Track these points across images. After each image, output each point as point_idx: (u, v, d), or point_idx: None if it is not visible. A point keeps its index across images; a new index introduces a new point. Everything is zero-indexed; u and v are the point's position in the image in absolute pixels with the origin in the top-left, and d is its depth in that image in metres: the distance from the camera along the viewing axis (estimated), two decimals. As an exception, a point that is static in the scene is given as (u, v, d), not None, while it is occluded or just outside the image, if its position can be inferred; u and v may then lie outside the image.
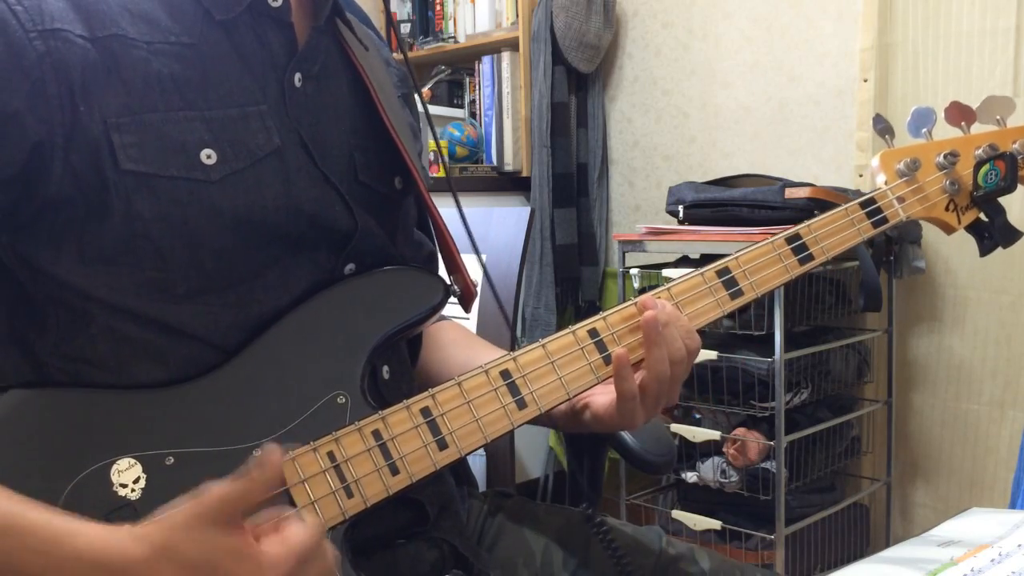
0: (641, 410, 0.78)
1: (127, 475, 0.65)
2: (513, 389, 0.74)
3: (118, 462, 0.65)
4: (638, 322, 0.78)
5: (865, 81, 2.22)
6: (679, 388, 0.80)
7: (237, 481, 0.56)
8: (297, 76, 0.75)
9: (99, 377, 0.69)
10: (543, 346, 0.76)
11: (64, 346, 0.69)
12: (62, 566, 0.55)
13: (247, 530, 0.58)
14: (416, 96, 0.95)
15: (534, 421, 0.79)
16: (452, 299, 0.82)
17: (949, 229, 0.93)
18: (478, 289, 0.87)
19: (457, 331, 1.00)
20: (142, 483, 0.65)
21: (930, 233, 2.14)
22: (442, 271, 0.86)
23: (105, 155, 0.65)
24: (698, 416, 2.24)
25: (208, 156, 0.69)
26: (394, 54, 0.99)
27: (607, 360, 0.77)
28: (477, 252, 0.86)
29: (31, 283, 0.69)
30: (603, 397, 0.81)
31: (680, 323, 0.79)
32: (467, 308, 0.85)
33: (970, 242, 0.95)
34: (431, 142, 2.54)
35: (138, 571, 0.55)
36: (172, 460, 0.66)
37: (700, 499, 2.21)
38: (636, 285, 2.16)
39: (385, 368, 0.80)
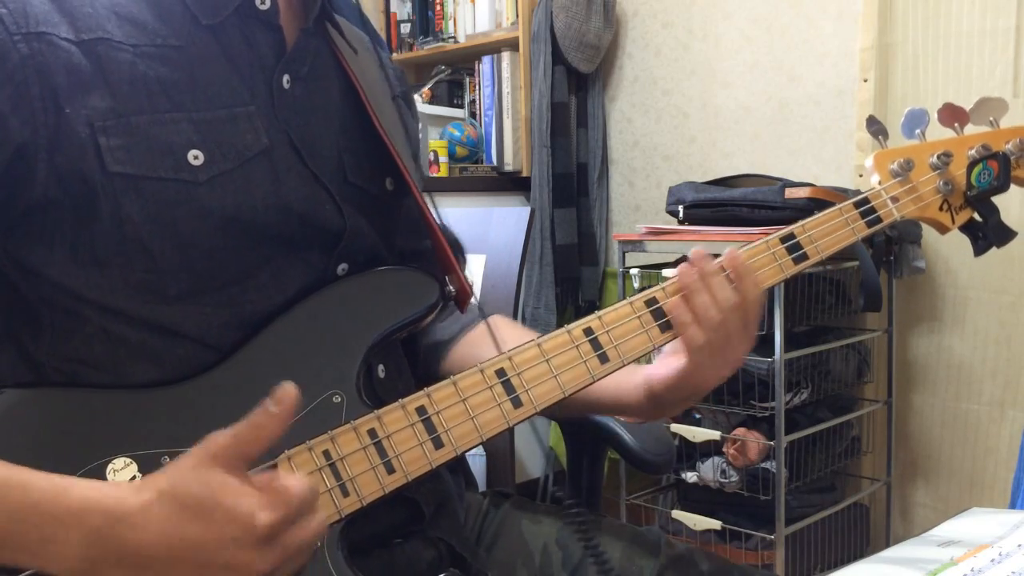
0: (709, 363, 0.79)
1: (122, 474, 0.65)
2: (508, 387, 0.73)
3: (113, 461, 0.65)
4: (633, 320, 0.78)
5: (865, 81, 2.22)
6: (744, 342, 0.80)
7: (245, 424, 0.58)
8: (285, 77, 0.75)
9: (95, 377, 0.69)
10: (538, 345, 0.75)
11: (59, 347, 0.69)
12: (62, 519, 0.55)
13: (248, 478, 0.58)
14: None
15: (606, 412, 0.80)
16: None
17: (943, 229, 0.94)
18: (476, 291, 0.86)
19: (513, 330, 0.99)
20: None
21: (930, 233, 2.13)
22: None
23: (91, 158, 0.66)
24: (698, 416, 2.24)
25: (195, 157, 0.69)
26: (393, 54, 0.99)
27: (602, 358, 0.77)
28: (460, 253, 0.83)
29: (24, 285, 0.69)
30: (665, 368, 0.81)
31: (739, 272, 0.79)
32: (463, 309, 0.85)
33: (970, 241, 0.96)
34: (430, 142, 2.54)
35: (140, 516, 0.56)
36: (168, 460, 0.66)
37: (700, 499, 2.21)
38: (636, 285, 2.16)
39: (380, 367, 0.80)
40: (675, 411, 0.84)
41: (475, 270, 1.51)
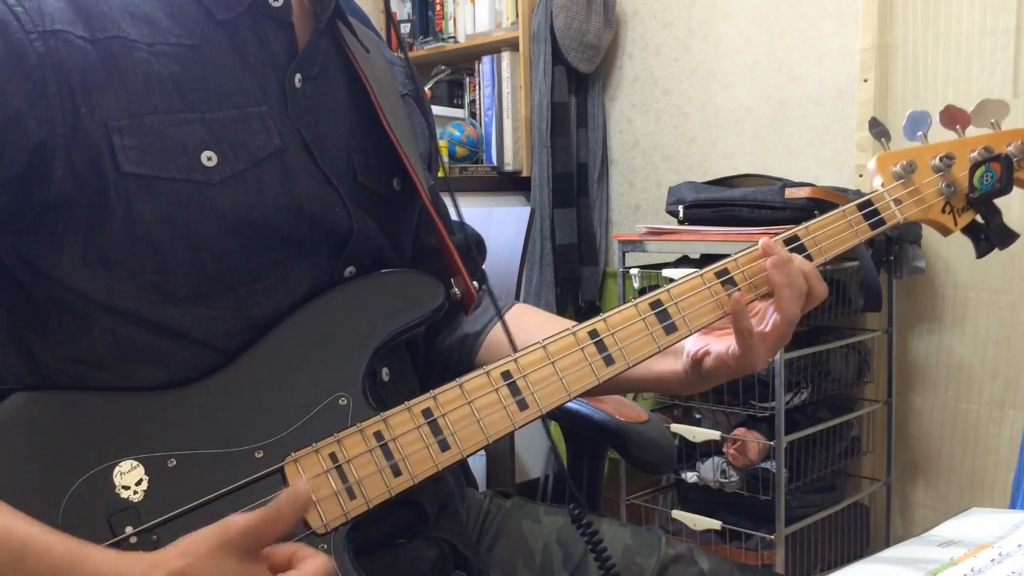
0: (763, 349, 0.81)
1: (129, 477, 0.65)
2: (514, 390, 0.73)
3: (120, 464, 0.65)
4: (638, 322, 0.78)
5: (865, 81, 2.22)
6: (792, 328, 0.83)
7: (264, 512, 0.60)
8: (297, 77, 0.75)
9: (101, 379, 0.69)
10: (544, 347, 0.75)
11: (66, 348, 0.69)
12: None
13: (264, 562, 0.60)
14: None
15: (647, 388, 0.85)
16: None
17: (945, 231, 0.94)
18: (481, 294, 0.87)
19: (539, 317, 0.99)
20: (144, 485, 0.65)
21: (930, 233, 2.14)
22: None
23: (106, 157, 0.65)
24: (698, 416, 2.24)
25: (209, 158, 0.69)
26: (396, 54, 0.99)
27: (607, 360, 0.77)
28: (480, 250, 0.83)
29: (33, 285, 0.69)
30: (721, 344, 0.83)
31: (800, 264, 0.82)
32: (467, 311, 0.85)
33: (970, 242, 0.96)
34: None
35: None
36: (174, 462, 0.66)
37: (700, 499, 2.21)
38: (636, 285, 2.16)
39: (385, 370, 0.80)
40: (719, 383, 0.87)
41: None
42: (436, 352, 0.97)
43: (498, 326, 0.95)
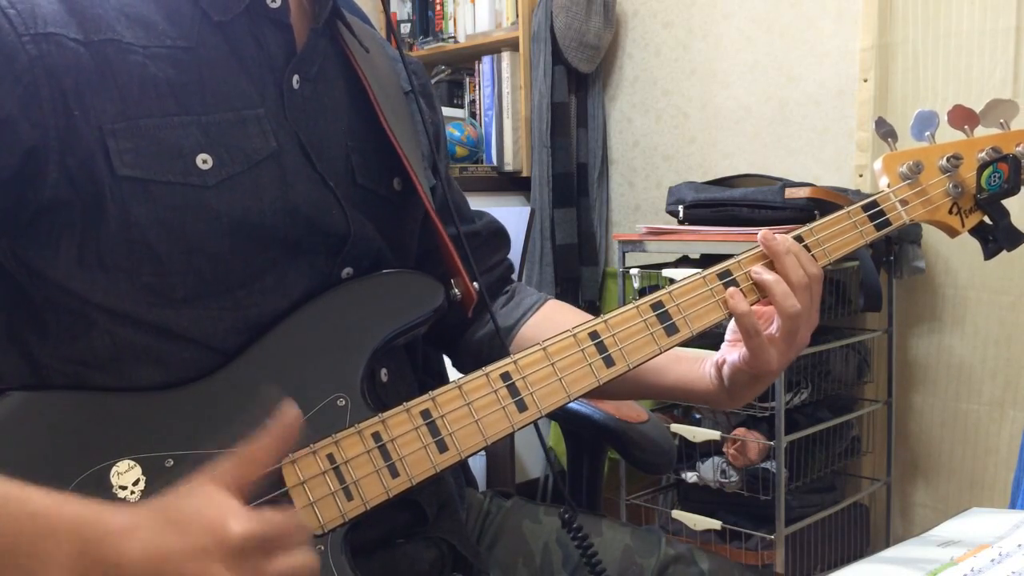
0: (774, 351, 0.79)
1: (127, 477, 0.65)
2: (513, 391, 0.73)
3: (118, 464, 0.65)
4: (639, 323, 0.78)
5: (865, 81, 2.22)
6: (810, 324, 0.81)
7: (250, 441, 0.57)
8: (295, 78, 0.75)
9: (99, 380, 0.69)
10: (543, 348, 0.75)
11: (64, 349, 0.69)
12: (57, 531, 0.53)
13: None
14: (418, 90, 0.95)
15: (673, 397, 0.86)
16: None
17: (953, 232, 0.93)
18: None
19: (569, 314, 0.99)
20: (141, 485, 0.65)
21: (930, 233, 2.15)
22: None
23: (100, 161, 0.65)
24: (698, 416, 2.24)
25: (204, 161, 0.68)
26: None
27: (607, 362, 0.77)
28: (475, 273, 0.83)
29: (30, 286, 0.69)
30: (735, 351, 0.82)
31: (798, 252, 0.81)
32: (466, 312, 0.85)
33: (971, 242, 0.95)
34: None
35: (129, 532, 0.54)
36: (172, 463, 0.66)
37: (700, 499, 2.21)
38: (636, 285, 2.16)
39: (383, 371, 0.80)
40: (749, 397, 0.85)
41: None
42: (465, 345, 0.97)
43: (531, 321, 0.95)
